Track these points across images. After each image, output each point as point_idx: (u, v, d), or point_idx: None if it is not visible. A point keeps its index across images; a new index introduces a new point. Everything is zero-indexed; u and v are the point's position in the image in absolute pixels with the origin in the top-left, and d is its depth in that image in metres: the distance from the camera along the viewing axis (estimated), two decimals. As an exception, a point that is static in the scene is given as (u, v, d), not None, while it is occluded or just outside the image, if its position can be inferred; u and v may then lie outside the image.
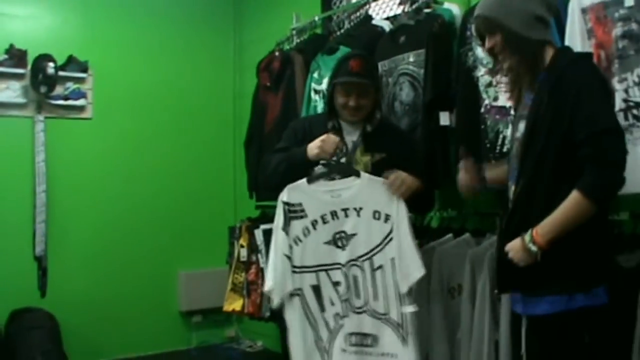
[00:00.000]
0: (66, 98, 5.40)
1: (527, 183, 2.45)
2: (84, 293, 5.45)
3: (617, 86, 2.92)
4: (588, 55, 2.68)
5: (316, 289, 3.08)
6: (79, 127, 5.55)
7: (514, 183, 2.56)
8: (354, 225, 3.08)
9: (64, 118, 5.47)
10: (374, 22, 4.39)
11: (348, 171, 3.13)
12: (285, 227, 3.08)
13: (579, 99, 2.35)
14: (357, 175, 3.12)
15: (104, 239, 5.65)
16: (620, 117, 2.89)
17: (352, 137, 3.29)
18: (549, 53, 2.53)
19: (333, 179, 3.14)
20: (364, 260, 3.07)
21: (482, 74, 3.44)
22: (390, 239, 3.06)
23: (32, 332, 4.96)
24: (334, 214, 3.10)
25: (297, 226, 3.08)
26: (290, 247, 3.07)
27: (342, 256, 3.08)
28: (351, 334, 3.06)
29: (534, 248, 2.36)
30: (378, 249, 3.07)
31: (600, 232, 2.44)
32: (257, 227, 4.61)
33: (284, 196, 3.10)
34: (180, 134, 6.01)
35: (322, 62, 4.44)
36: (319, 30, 5.06)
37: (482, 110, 3.44)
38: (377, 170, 3.18)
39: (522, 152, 2.51)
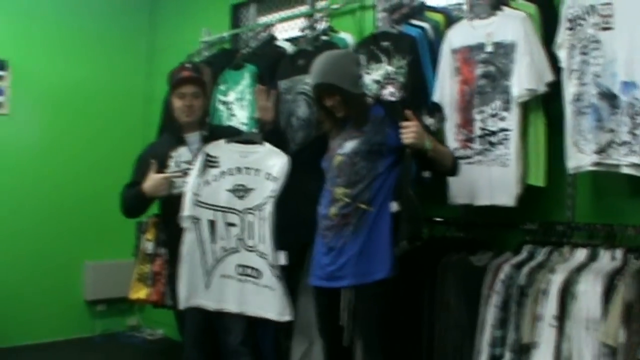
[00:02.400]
0: (-17, 94, 5.64)
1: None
2: None
3: (477, 116, 3.51)
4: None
5: (211, 224, 3.69)
6: (-4, 122, 5.78)
7: (338, 186, 3.25)
8: (252, 181, 3.71)
9: (-19, 113, 5.68)
10: (277, 42, 4.84)
11: (255, 140, 3.78)
12: (201, 173, 3.68)
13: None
14: (262, 144, 3.75)
15: (13, 229, 5.84)
16: (477, 143, 3.49)
17: (195, 145, 3.85)
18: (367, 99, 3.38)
19: (244, 143, 3.77)
20: (257, 210, 3.68)
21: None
22: (272, 196, 3.68)
23: None
24: (239, 170, 3.73)
25: (211, 172, 3.71)
26: (201, 187, 3.68)
27: (239, 204, 3.70)
28: (240, 265, 3.67)
29: (428, 143, 3.05)
30: (265, 202, 3.68)
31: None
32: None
33: (208, 149, 3.72)
34: (92, 132, 6.29)
35: (229, 76, 4.87)
36: (227, 45, 5.47)
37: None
38: None
39: (355, 163, 3.24)
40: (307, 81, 4.20)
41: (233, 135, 3.86)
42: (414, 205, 3.13)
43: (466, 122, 3.55)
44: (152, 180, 3.67)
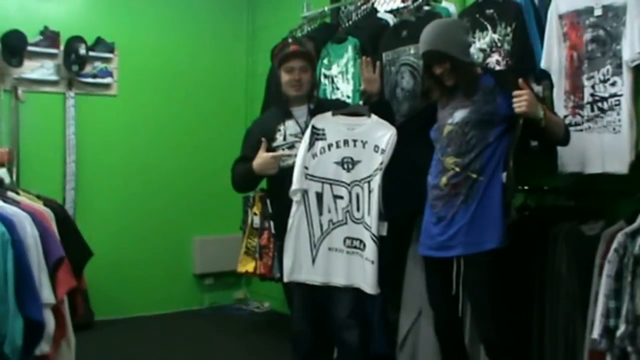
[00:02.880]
0: (94, 76, 5.84)
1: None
2: (109, 255, 5.71)
3: (586, 82, 3.43)
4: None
5: (319, 196, 3.68)
6: (106, 103, 5.98)
7: (450, 155, 3.26)
8: (359, 153, 3.68)
9: (92, 95, 5.90)
10: (378, 15, 4.81)
11: (362, 112, 3.75)
12: (310, 146, 3.70)
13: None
14: (369, 116, 3.72)
15: (127, 206, 6.07)
16: (588, 109, 3.41)
17: (302, 118, 3.84)
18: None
19: (352, 115, 3.76)
20: (364, 183, 3.66)
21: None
22: (381, 170, 3.63)
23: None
24: (346, 142, 3.71)
25: (318, 145, 3.70)
26: (311, 159, 3.68)
27: (347, 177, 3.67)
28: (348, 237, 3.65)
29: (542, 112, 3.03)
30: (373, 175, 3.64)
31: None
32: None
33: (314, 122, 3.73)
34: (198, 110, 6.45)
35: (332, 49, 4.87)
36: (328, 20, 5.46)
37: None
38: None
39: (466, 133, 3.23)
40: (411, 52, 4.21)
41: (339, 108, 3.86)
42: (510, 176, 3.16)
43: (575, 89, 3.47)
44: (262, 158, 3.70)
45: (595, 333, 3.05)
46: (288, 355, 3.94)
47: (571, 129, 3.38)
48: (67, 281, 3.44)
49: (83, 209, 5.80)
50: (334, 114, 3.74)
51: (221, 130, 6.44)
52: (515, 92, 3.01)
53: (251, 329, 5.98)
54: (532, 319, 3.48)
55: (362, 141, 3.68)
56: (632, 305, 2.97)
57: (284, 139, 3.82)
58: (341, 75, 4.77)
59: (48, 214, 3.60)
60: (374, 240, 3.56)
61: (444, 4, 4.31)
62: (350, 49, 4.70)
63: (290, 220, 3.67)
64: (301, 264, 3.66)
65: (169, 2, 6.38)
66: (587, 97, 3.42)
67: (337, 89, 4.80)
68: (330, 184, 3.69)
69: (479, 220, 3.15)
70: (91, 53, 5.79)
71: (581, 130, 3.44)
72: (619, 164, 3.29)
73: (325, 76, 4.91)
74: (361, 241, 3.62)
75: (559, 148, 3.46)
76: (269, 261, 5.08)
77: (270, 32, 6.01)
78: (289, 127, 3.83)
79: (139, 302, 6.13)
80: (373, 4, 4.99)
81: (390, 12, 4.81)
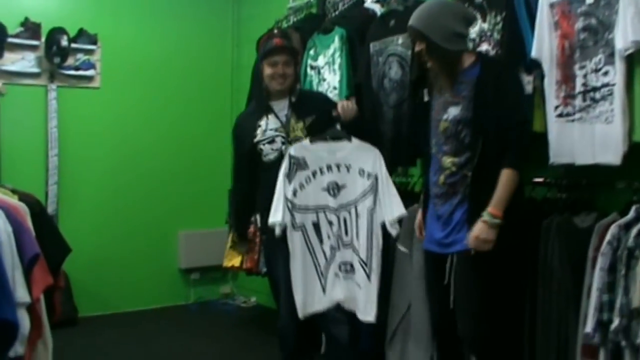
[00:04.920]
0: (77, 68, 5.76)
1: (480, 156, 3.11)
2: (92, 251, 5.77)
3: (578, 72, 3.33)
4: (516, 59, 3.50)
5: (316, 225, 3.67)
6: (89, 96, 5.89)
7: (446, 154, 3.22)
8: (343, 178, 3.67)
9: (75, 87, 5.81)
10: (365, 5, 4.71)
11: (342, 136, 3.70)
12: (289, 176, 3.65)
13: (507, 91, 3.13)
14: (349, 140, 3.69)
15: (111, 201, 6.00)
16: (580, 99, 3.32)
17: (283, 111, 3.83)
18: (467, 58, 3.24)
19: (331, 140, 3.70)
20: (351, 207, 3.66)
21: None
22: (369, 193, 3.65)
23: (45, 285, 5.32)
24: (329, 167, 3.69)
25: (301, 175, 3.66)
26: (295, 191, 3.64)
27: (333, 202, 3.66)
28: (341, 263, 3.65)
29: (497, 221, 3.02)
30: (361, 198, 3.66)
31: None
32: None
33: (292, 151, 3.67)
34: (182, 102, 6.36)
35: (318, 40, 4.81)
36: (314, 10, 5.39)
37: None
38: (312, 131, 3.77)
39: (463, 130, 3.17)
40: (399, 42, 4.16)
41: (322, 101, 3.87)
42: None
43: (567, 78, 3.39)
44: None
45: (589, 327, 3.00)
46: (276, 350, 3.93)
47: (562, 119, 3.33)
48: (43, 279, 3.31)
49: (66, 204, 5.74)
50: (312, 141, 3.70)
51: (207, 123, 6.38)
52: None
53: (238, 324, 5.93)
54: (524, 313, 3.42)
55: (345, 165, 3.69)
56: (626, 298, 2.91)
57: (264, 134, 3.80)
58: (328, 66, 4.71)
59: (23, 208, 3.46)
60: (362, 265, 3.60)
61: (432, -8, 4.21)
62: (337, 39, 4.63)
63: (293, 254, 3.64)
64: (313, 296, 3.66)
65: None
66: (578, 87, 3.33)
67: (324, 80, 4.74)
68: (324, 211, 3.67)
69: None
70: (73, 45, 5.70)
71: (573, 120, 3.35)
72: (612, 155, 3.21)
73: (312, 67, 4.85)
74: (352, 265, 3.64)
75: (551, 139, 3.39)
76: (255, 255, 4.96)
77: (255, 23, 5.95)
78: (270, 122, 3.82)
79: (124, 297, 6.08)
80: (361, -8, 4.89)
81: (377, 2, 4.73)
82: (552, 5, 3.44)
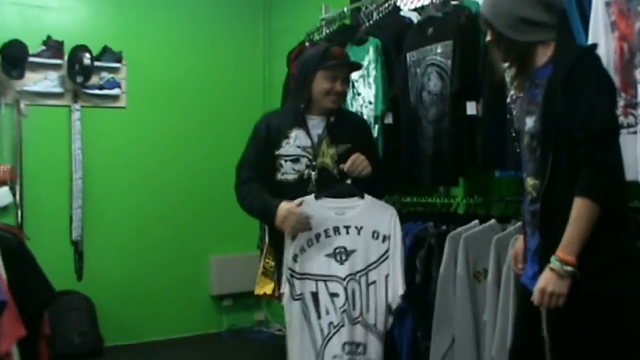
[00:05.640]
0: (101, 88, 5.56)
1: (549, 181, 2.48)
2: (119, 277, 5.61)
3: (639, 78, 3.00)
4: (594, 50, 2.68)
5: (315, 297, 3.25)
6: (114, 116, 5.71)
7: (529, 175, 2.65)
8: (354, 242, 3.26)
9: (100, 107, 5.63)
10: (402, 13, 4.46)
11: (353, 192, 3.31)
12: (292, 239, 3.26)
13: (581, 94, 2.41)
14: (362, 197, 3.29)
15: (138, 225, 5.79)
16: (643, 107, 2.97)
17: (317, 130, 3.42)
18: (544, 52, 2.62)
19: (339, 197, 3.30)
20: (361, 276, 3.25)
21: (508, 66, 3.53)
22: (386, 258, 3.27)
23: (70, 314, 5.14)
24: (336, 230, 3.27)
25: (302, 237, 3.25)
26: (296, 256, 3.25)
27: (342, 270, 3.24)
28: (346, 343, 3.21)
29: (569, 269, 2.36)
30: (374, 266, 3.26)
31: (624, 227, 2.49)
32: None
33: None
34: (212, 123, 6.12)
35: (352, 52, 4.49)
36: (347, 21, 5.13)
37: (509, 100, 3.52)
38: (342, 160, 3.34)
39: (538, 147, 2.58)
40: (439, 51, 3.87)
41: (361, 129, 3.54)
42: None
43: (627, 85, 3.02)
44: (289, 215, 3.21)
45: None
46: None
47: (623, 131, 2.91)
48: (13, 331, 2.99)
49: (91, 229, 5.58)
50: (317, 198, 3.29)
51: (238, 144, 6.00)
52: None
53: (273, 353, 5.59)
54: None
55: (356, 227, 3.27)
56: None
57: (290, 149, 3.40)
58: (362, 79, 4.41)
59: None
60: (377, 338, 3.24)
61: (473, -3, 3.91)
62: (371, 50, 4.34)
63: (290, 324, 3.31)
64: None
65: (180, 8, 6.08)
66: (641, 95, 3.00)
67: (359, 94, 4.44)
68: (325, 281, 3.26)
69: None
70: (97, 63, 5.51)
71: (635, 132, 3.00)
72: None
73: (346, 81, 4.55)
74: (360, 345, 3.23)
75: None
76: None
77: (287, 37, 5.68)
78: (300, 137, 3.41)
79: (154, 326, 5.85)
80: (396, 2, 4.61)
81: (415, 10, 4.46)
82: (608, 4, 3.09)
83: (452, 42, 3.75)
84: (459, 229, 3.58)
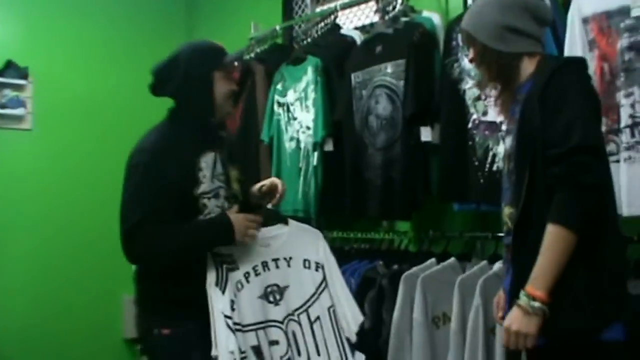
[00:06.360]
0: (3, 107, 5.05)
1: (523, 208, 2.19)
2: (23, 321, 5.08)
3: (623, 101, 2.72)
4: (577, 60, 2.41)
5: (257, 350, 2.67)
6: (18, 139, 5.19)
7: (507, 204, 2.33)
8: (285, 276, 2.77)
9: (1, 128, 5.13)
10: (342, 31, 4.15)
11: (275, 218, 2.84)
12: (219, 283, 2.65)
13: (559, 107, 2.13)
14: (285, 222, 2.83)
15: (44, 262, 5.26)
16: (627, 134, 2.72)
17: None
18: (530, 63, 2.34)
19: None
20: (300, 314, 2.76)
21: (469, 87, 3.24)
22: (324, 287, 2.81)
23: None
24: (265, 265, 2.75)
25: (233, 278, 2.67)
26: (232, 302, 2.63)
27: (277, 312, 2.73)
28: None
29: (537, 304, 2.06)
30: (313, 299, 2.78)
31: (605, 257, 2.16)
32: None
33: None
34: (124, 149, 5.61)
35: (287, 72, 4.17)
36: (279, 40, 4.78)
37: (470, 125, 3.22)
38: (246, 184, 2.93)
39: (512, 170, 2.29)
40: (388, 71, 3.56)
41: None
42: None
43: (608, 109, 2.74)
44: (247, 222, 2.64)
45: None
46: None
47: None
48: None
49: None
50: None
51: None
52: None
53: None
54: None
55: (284, 258, 2.79)
56: None
57: (211, 181, 2.69)
58: (299, 102, 4.07)
59: None
60: None
61: (425, 14, 3.60)
62: (310, 70, 4.00)
63: None
64: None
65: (93, 19, 5.59)
66: (624, 120, 2.70)
67: (294, 118, 4.09)
68: (264, 329, 2.71)
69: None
70: None
71: (617, 161, 2.72)
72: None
73: (280, 104, 4.21)
74: None
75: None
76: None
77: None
78: (209, 162, 2.71)
79: (58, 372, 5.29)
80: (335, 19, 4.25)
81: (357, 29, 4.15)
82: (585, 20, 2.86)
83: (405, 60, 3.45)
84: (414, 269, 3.24)
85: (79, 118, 5.44)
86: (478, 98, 3.20)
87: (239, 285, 2.68)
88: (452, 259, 3.23)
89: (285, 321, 2.72)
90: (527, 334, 2.08)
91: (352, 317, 2.78)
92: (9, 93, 5.06)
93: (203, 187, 2.65)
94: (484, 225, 3.35)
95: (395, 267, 3.38)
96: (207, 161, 2.68)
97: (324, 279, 2.80)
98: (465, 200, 3.26)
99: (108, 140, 5.49)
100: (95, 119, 5.49)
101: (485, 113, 3.17)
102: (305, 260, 2.79)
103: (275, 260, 2.76)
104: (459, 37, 3.20)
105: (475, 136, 3.19)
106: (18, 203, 5.16)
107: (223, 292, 2.61)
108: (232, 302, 2.62)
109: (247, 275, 2.69)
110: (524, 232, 2.19)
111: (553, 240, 2.06)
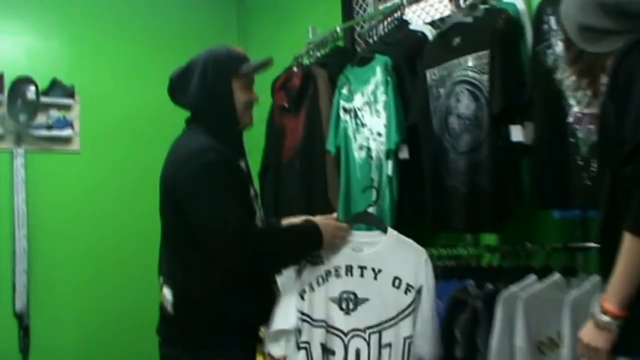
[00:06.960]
0: (49, 128, 4.89)
1: (607, 210, 2.03)
2: (73, 354, 4.91)
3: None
4: None
5: (325, 349, 2.62)
6: (65, 162, 5.04)
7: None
8: (367, 288, 2.65)
9: (48, 151, 4.97)
10: (411, 27, 3.81)
11: (376, 223, 2.79)
12: (300, 272, 2.68)
13: (628, 96, 1.89)
14: (384, 231, 2.71)
15: (94, 291, 5.07)
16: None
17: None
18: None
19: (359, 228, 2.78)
20: (371, 333, 2.60)
21: (567, 75, 2.83)
22: (408, 314, 2.60)
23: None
24: (348, 269, 2.67)
25: (313, 272, 2.69)
26: (303, 292, 2.67)
27: (344, 322, 2.64)
28: None
29: (606, 319, 1.91)
30: (391, 322, 2.62)
31: None
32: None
33: None
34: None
35: (353, 75, 3.84)
36: (340, 43, 4.51)
37: (571, 119, 2.83)
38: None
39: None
40: (469, 64, 3.20)
41: None
42: None
43: None
44: (341, 230, 2.68)
45: None
46: None
47: None
48: None
49: (38, 297, 4.82)
50: (348, 222, 2.78)
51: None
52: None
53: None
54: None
55: (372, 269, 2.65)
56: None
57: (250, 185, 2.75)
58: (368, 106, 3.73)
59: None
60: None
61: (506, -2, 3.25)
62: (379, 70, 3.65)
63: None
64: None
65: (143, 35, 5.46)
66: None
67: (363, 125, 3.75)
68: (328, 331, 2.65)
69: None
70: (44, 99, 4.80)
71: None
72: None
73: (345, 110, 3.88)
74: None
75: None
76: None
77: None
78: (243, 169, 2.75)
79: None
80: (402, 15, 3.93)
81: (428, 23, 3.83)
82: None
83: (489, 52, 3.07)
84: (513, 288, 2.82)
85: (126, 138, 5.31)
86: (579, 87, 2.81)
87: (320, 281, 2.67)
88: (557, 275, 2.82)
89: (350, 334, 2.61)
90: (597, 348, 1.97)
91: (424, 354, 2.62)
92: (55, 113, 4.91)
93: (252, 191, 2.69)
94: (585, 234, 2.96)
95: (490, 286, 2.98)
96: (243, 167, 2.71)
97: (412, 304, 2.57)
98: (568, 206, 2.87)
99: (158, 161, 5.26)
100: (146, 138, 5.32)
101: (589, 104, 2.78)
102: (395, 278, 2.61)
103: (362, 267, 2.66)
104: (551, 19, 2.88)
105: (577, 131, 2.81)
106: (67, 228, 5.05)
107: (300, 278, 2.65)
108: (304, 291, 2.65)
109: (327, 274, 2.67)
110: (610, 238, 1.98)
111: (625, 249, 1.88)
